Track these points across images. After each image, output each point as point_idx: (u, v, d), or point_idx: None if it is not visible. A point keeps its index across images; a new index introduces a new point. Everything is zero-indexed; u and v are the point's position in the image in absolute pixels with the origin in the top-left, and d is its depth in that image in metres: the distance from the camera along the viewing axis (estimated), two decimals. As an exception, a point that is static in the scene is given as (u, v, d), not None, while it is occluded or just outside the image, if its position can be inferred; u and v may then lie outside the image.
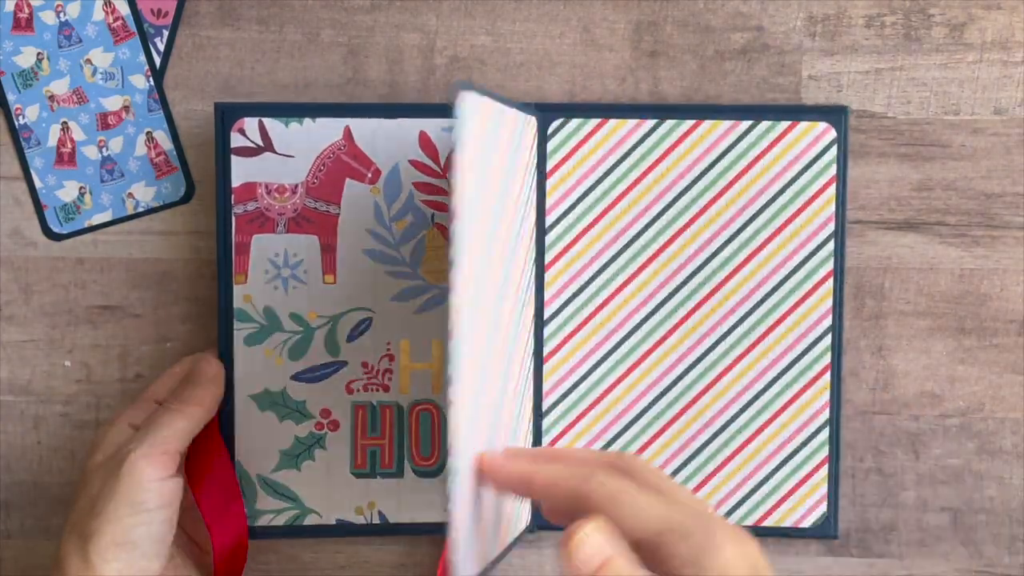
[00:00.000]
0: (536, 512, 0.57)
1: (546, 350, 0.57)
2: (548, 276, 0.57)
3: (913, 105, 0.58)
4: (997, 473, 0.59)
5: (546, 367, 0.57)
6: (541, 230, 0.57)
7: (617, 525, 0.40)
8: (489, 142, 0.47)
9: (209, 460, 0.55)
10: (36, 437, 0.59)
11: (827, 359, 0.56)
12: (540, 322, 0.57)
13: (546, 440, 0.57)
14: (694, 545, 0.39)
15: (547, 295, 0.57)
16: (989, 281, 0.58)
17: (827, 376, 0.56)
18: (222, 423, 0.55)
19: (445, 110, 0.55)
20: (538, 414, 0.57)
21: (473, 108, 0.44)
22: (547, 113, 0.56)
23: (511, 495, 0.46)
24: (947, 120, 0.58)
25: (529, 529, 0.57)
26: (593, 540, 0.40)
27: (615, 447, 0.57)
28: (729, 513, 0.57)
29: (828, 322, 0.56)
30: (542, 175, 0.56)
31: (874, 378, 0.59)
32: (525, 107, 0.56)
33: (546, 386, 0.57)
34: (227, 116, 0.55)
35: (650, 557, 0.40)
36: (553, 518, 0.44)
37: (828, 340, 0.56)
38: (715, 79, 0.58)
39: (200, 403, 0.53)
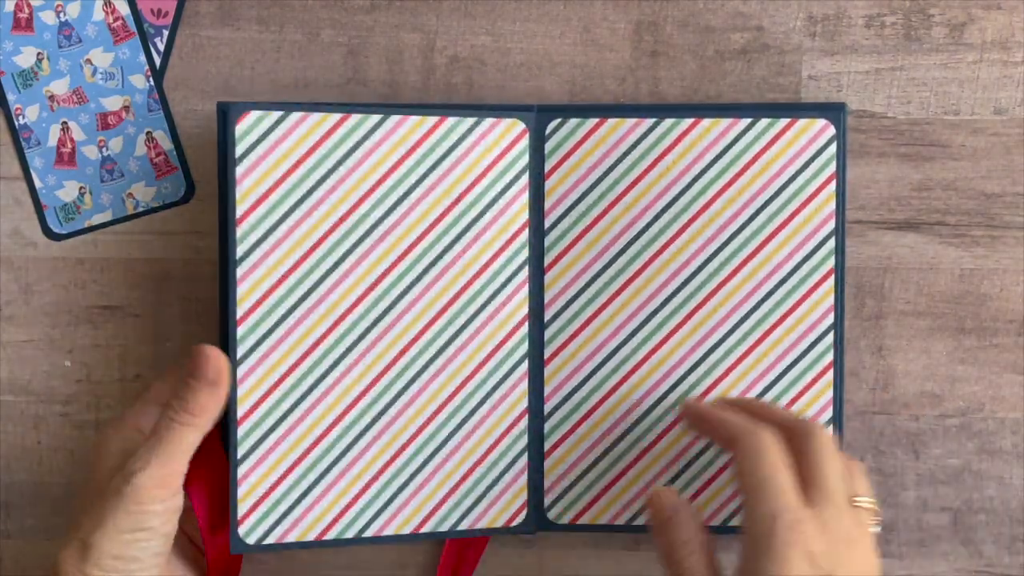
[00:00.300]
0: (535, 512, 0.56)
1: (547, 353, 0.57)
2: (548, 278, 0.56)
3: (913, 105, 0.58)
4: (997, 473, 0.59)
5: (547, 370, 0.57)
6: (540, 231, 0.56)
7: (738, 471, 0.48)
8: (277, 153, 0.53)
9: (206, 468, 0.54)
10: (36, 437, 0.59)
11: (829, 357, 0.56)
12: (540, 324, 0.57)
13: (547, 445, 0.57)
14: (767, 540, 0.45)
15: (547, 297, 0.57)
16: (989, 281, 0.58)
17: (829, 374, 0.56)
18: (223, 428, 0.55)
19: (449, 109, 0.55)
20: (540, 418, 0.57)
21: (248, 125, 0.52)
22: (545, 113, 0.56)
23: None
24: (947, 120, 0.58)
25: (528, 530, 0.57)
26: (667, 496, 0.50)
27: (619, 448, 0.57)
28: (734, 514, 0.57)
29: (830, 320, 0.56)
30: (540, 176, 0.56)
31: (874, 378, 0.59)
32: (521, 108, 0.56)
33: (547, 389, 0.57)
34: (230, 115, 0.54)
35: None
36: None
37: (830, 338, 0.56)
38: (715, 79, 0.58)
39: (204, 411, 0.51)
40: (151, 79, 0.58)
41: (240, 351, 0.54)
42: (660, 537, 0.50)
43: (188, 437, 0.51)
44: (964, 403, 0.59)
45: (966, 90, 0.58)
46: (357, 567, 0.59)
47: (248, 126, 0.53)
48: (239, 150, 0.53)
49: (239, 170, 0.53)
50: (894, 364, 0.59)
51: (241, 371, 0.54)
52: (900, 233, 0.58)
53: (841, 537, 0.46)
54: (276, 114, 0.53)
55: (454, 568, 0.58)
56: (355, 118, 0.54)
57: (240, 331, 0.54)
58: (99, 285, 0.59)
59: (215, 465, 0.54)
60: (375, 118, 0.54)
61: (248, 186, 0.54)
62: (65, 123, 0.58)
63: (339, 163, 0.54)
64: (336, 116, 0.54)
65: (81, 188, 0.58)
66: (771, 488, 0.46)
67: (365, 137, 0.54)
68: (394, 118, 0.55)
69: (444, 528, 0.56)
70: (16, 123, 0.58)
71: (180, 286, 0.59)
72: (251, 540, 0.54)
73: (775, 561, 0.44)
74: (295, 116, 0.54)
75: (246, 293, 0.54)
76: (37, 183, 0.58)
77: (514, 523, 0.56)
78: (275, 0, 0.58)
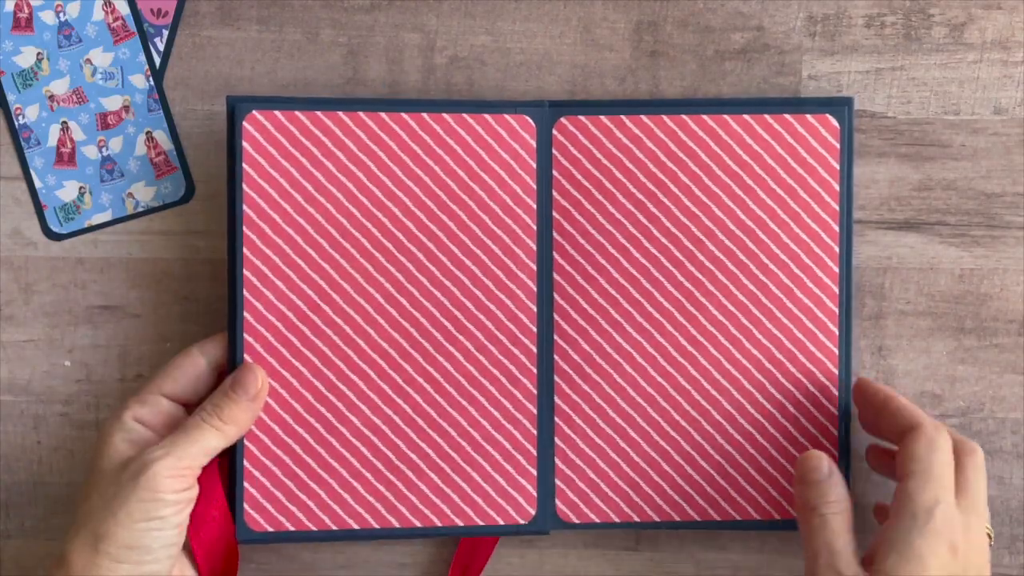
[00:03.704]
0: (547, 510, 0.56)
1: (556, 350, 0.56)
2: (557, 275, 0.56)
3: (913, 105, 0.58)
4: (997, 473, 0.59)
5: (557, 366, 0.56)
6: (548, 227, 0.56)
7: (913, 459, 0.50)
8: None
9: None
10: (36, 437, 0.59)
11: (832, 357, 0.56)
12: (550, 319, 0.56)
13: (558, 443, 0.57)
14: (933, 507, 0.49)
15: (557, 291, 0.56)
16: (989, 281, 0.58)
17: (832, 375, 0.56)
18: None
19: (457, 105, 0.55)
20: (550, 414, 0.57)
21: (255, 123, 0.53)
22: (555, 109, 0.56)
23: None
24: (947, 120, 0.58)
25: (541, 529, 0.56)
26: (823, 459, 0.52)
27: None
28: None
29: (833, 319, 0.56)
30: (548, 171, 0.56)
31: (874, 378, 0.59)
32: (531, 104, 0.56)
33: (558, 386, 0.57)
34: (237, 113, 0.54)
35: (899, 489, 0.50)
36: (871, 429, 0.55)
37: (833, 340, 0.56)
38: (715, 79, 0.58)
39: (237, 422, 0.53)
40: (151, 79, 0.58)
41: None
42: (810, 493, 0.52)
43: (212, 440, 0.52)
44: (964, 403, 0.59)
45: (966, 90, 0.58)
46: (356, 567, 0.59)
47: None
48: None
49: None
50: (894, 364, 0.59)
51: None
52: (900, 233, 0.58)
53: (975, 546, 0.50)
54: (284, 112, 0.54)
55: (465, 566, 0.58)
56: (362, 115, 0.55)
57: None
58: (99, 285, 0.59)
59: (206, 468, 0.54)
60: (383, 115, 0.55)
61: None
62: (65, 123, 0.58)
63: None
64: (344, 114, 0.54)
65: (81, 188, 0.58)
66: (939, 479, 0.50)
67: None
68: (401, 115, 0.55)
69: (452, 524, 0.56)
70: (16, 123, 0.58)
71: (180, 286, 0.59)
72: (257, 528, 0.55)
73: (927, 539, 0.48)
74: (304, 114, 0.54)
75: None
76: (37, 183, 0.58)
77: (524, 521, 0.56)
78: (275, 0, 0.58)
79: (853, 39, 0.58)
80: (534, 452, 0.56)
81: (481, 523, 0.56)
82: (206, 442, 0.52)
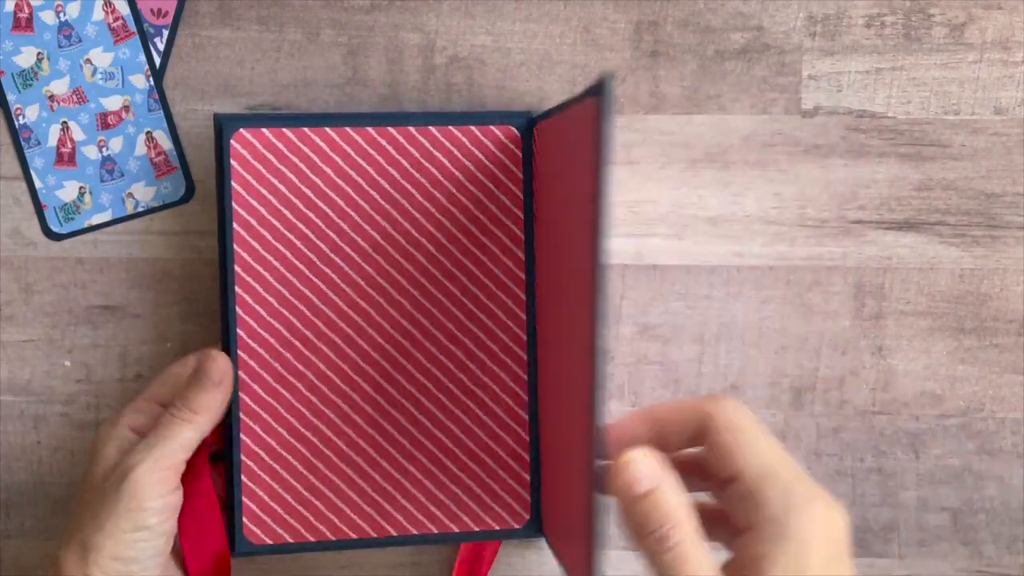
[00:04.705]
0: (536, 522, 0.56)
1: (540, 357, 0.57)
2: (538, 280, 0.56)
3: (913, 105, 0.58)
4: (997, 473, 0.59)
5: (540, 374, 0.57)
6: (530, 242, 0.56)
7: (730, 453, 0.41)
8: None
9: (188, 474, 0.54)
10: (36, 437, 0.59)
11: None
12: (532, 326, 0.57)
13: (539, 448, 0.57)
14: (789, 498, 0.40)
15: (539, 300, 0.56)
16: (989, 281, 0.58)
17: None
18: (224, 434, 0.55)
19: (444, 117, 0.55)
20: (535, 422, 0.57)
21: (243, 140, 0.53)
22: (538, 119, 0.56)
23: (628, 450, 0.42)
24: (947, 120, 0.58)
25: (534, 533, 0.57)
26: (643, 464, 0.40)
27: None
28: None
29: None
30: (529, 183, 0.56)
31: (874, 378, 0.59)
32: (516, 114, 0.56)
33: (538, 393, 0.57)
34: (224, 132, 0.54)
35: (737, 498, 0.41)
36: (667, 450, 0.44)
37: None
38: (715, 79, 0.58)
39: (208, 410, 0.52)
40: (151, 79, 0.58)
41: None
42: (636, 513, 0.41)
43: (187, 433, 0.52)
44: (964, 403, 0.59)
45: (966, 90, 0.58)
46: (357, 567, 0.59)
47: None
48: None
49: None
50: (894, 364, 0.59)
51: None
52: (900, 233, 0.58)
53: None
54: (271, 130, 0.54)
55: (469, 569, 0.58)
56: (350, 131, 0.55)
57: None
58: (99, 285, 0.59)
59: (197, 468, 0.54)
60: (370, 130, 0.55)
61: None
62: (65, 123, 0.58)
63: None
64: (331, 129, 0.54)
65: (81, 188, 0.58)
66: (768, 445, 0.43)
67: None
68: (388, 129, 0.55)
69: (448, 531, 0.56)
70: (16, 123, 0.58)
71: (180, 286, 0.59)
72: (257, 541, 0.55)
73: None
74: (290, 131, 0.54)
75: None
76: (37, 183, 0.58)
77: (518, 526, 0.56)
78: (275, 0, 0.58)
79: (853, 39, 0.58)
80: (528, 458, 0.56)
81: (477, 529, 0.56)
82: (181, 437, 0.51)
